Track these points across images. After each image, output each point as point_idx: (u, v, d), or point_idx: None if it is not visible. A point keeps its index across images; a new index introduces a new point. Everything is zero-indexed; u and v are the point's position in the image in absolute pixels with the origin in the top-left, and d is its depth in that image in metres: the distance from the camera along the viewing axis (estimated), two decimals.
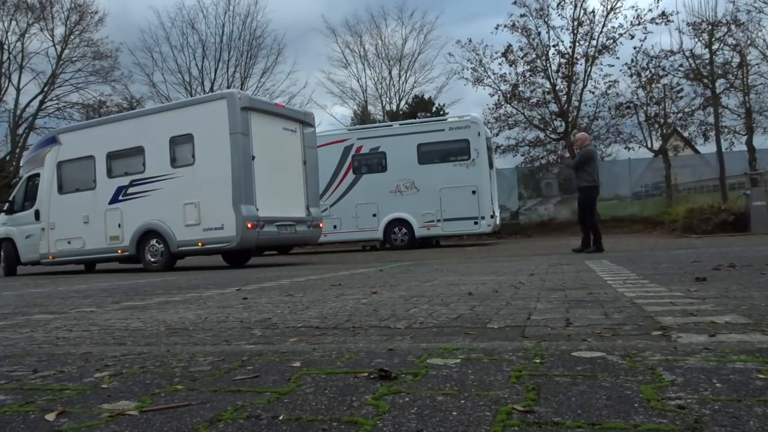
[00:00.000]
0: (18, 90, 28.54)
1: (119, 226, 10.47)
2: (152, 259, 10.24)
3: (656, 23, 22.02)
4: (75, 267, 12.38)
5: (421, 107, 30.85)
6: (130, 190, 10.41)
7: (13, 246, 12.03)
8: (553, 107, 23.75)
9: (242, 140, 9.36)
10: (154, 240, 10.18)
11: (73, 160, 11.14)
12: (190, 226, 9.71)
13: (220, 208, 9.39)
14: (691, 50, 21.18)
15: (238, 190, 9.31)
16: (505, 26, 23.56)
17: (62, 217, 11.09)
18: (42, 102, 28.98)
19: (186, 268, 10.99)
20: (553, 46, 23.46)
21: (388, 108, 30.63)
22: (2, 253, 12.23)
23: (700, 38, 20.89)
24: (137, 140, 10.38)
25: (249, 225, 9.23)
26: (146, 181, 10.24)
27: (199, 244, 9.72)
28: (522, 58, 23.55)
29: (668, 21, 21.70)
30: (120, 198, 10.51)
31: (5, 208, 12.34)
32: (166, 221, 9.98)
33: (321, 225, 11.35)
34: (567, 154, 9.56)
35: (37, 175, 11.73)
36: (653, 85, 22.61)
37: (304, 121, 11.02)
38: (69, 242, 10.99)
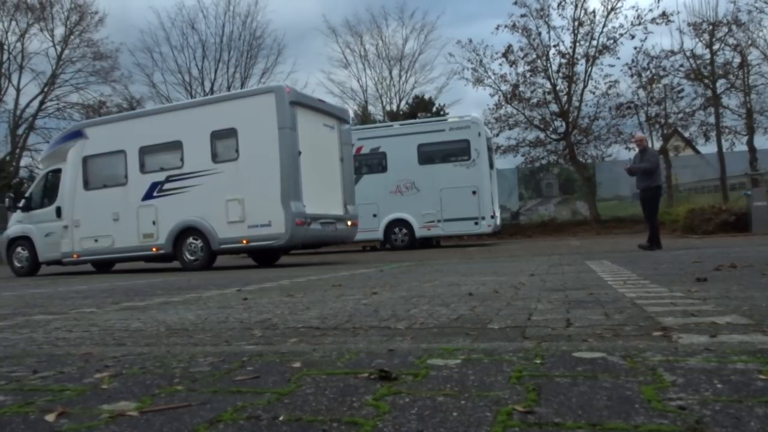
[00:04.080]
0: (18, 90, 28.60)
1: (154, 223, 10.09)
2: (191, 258, 9.91)
3: (657, 23, 22.06)
4: (87, 267, 11.86)
5: (422, 107, 30.85)
6: (166, 186, 10.05)
7: (30, 245, 11.45)
8: (554, 107, 23.77)
9: (291, 135, 9.15)
10: (193, 237, 9.85)
11: (101, 154, 10.72)
12: (234, 223, 9.42)
13: (267, 204, 9.13)
14: (691, 50, 21.22)
15: (286, 186, 9.07)
16: (506, 26, 23.62)
17: (88, 214, 10.66)
18: (42, 102, 29.00)
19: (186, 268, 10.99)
20: (554, 46, 23.50)
21: (388, 108, 30.65)
22: (25, 252, 11.54)
23: (701, 38, 20.93)
24: (174, 134, 10.05)
25: (298, 222, 9.04)
26: (184, 177, 9.91)
27: (244, 242, 9.43)
28: (522, 59, 23.59)
29: (669, 21, 21.74)
30: (155, 194, 10.14)
31: (22, 205, 11.72)
32: (206, 218, 9.65)
33: (357, 223, 11.13)
34: (627, 167, 9.73)
35: (59, 170, 11.22)
36: (654, 86, 22.63)
37: (341, 118, 10.86)
38: (96, 240, 10.56)
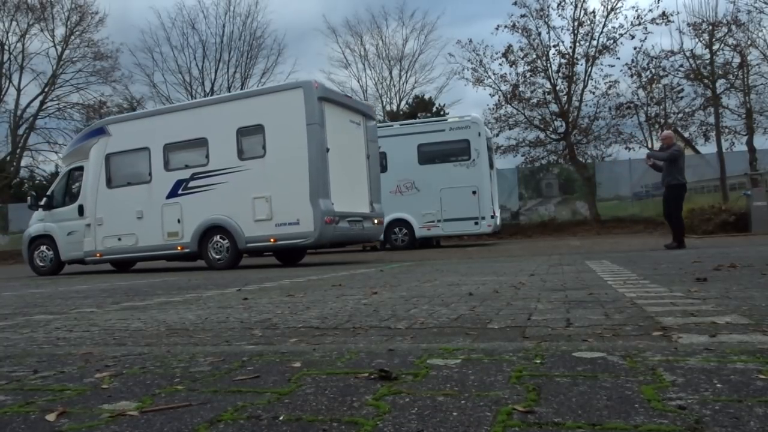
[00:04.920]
0: (18, 90, 28.61)
1: (178, 221, 9.92)
2: (216, 256, 9.74)
3: (656, 23, 22.08)
4: (108, 266, 11.62)
5: (422, 107, 30.89)
6: (192, 183, 9.86)
7: (53, 244, 11.21)
8: (554, 107, 23.77)
9: (319, 131, 8.96)
10: (219, 236, 9.67)
11: (124, 152, 10.53)
12: (261, 221, 9.26)
13: (295, 202, 8.96)
14: (691, 50, 21.22)
15: (315, 183, 8.89)
16: (506, 27, 23.62)
17: (111, 212, 10.46)
18: (42, 102, 29.00)
19: (187, 268, 10.99)
20: (554, 46, 23.51)
21: (388, 108, 30.68)
22: (48, 252, 11.31)
23: (701, 38, 20.92)
24: (199, 131, 9.88)
25: (327, 220, 8.87)
26: (210, 174, 9.73)
27: (271, 240, 9.28)
28: (522, 59, 23.59)
29: (669, 21, 21.75)
30: (179, 192, 9.95)
31: (43, 203, 11.46)
32: (233, 216, 9.48)
33: (383, 222, 10.88)
34: (650, 160, 9.74)
35: (80, 168, 11.04)
36: (654, 86, 22.64)
37: (367, 114, 10.68)
38: (119, 239, 10.36)
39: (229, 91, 28.14)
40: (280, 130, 9.23)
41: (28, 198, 11.96)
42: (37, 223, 11.54)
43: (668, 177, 9.19)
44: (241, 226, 9.41)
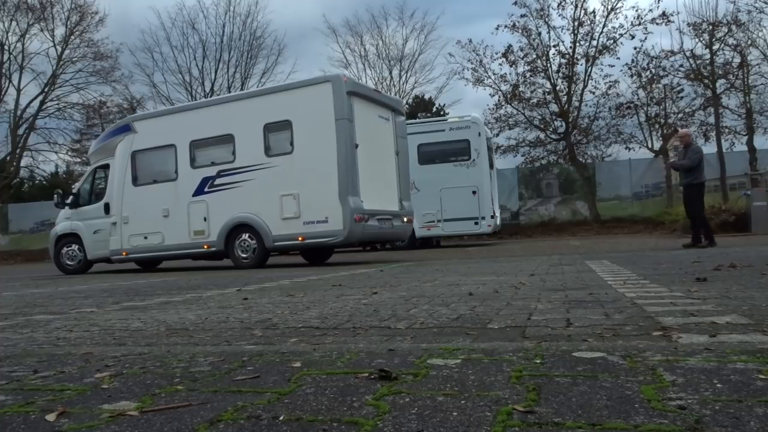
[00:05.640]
0: (18, 90, 28.61)
1: (205, 219, 9.74)
2: (243, 255, 9.53)
3: (657, 23, 22.11)
4: (131, 266, 11.51)
5: (422, 107, 30.89)
6: (218, 181, 9.69)
7: (80, 242, 11.07)
8: (554, 107, 23.79)
9: (348, 127, 8.71)
10: (246, 235, 9.47)
11: (150, 149, 10.36)
12: (288, 219, 9.04)
13: (323, 199, 8.75)
14: (691, 50, 21.21)
15: (344, 180, 8.65)
16: (506, 27, 23.64)
17: (137, 210, 10.31)
18: (42, 102, 29.01)
19: (187, 268, 10.99)
20: (554, 46, 23.53)
21: None
22: (79, 252, 11.16)
23: (701, 38, 20.91)
24: (226, 127, 9.70)
25: (356, 218, 8.65)
26: (236, 171, 9.53)
27: (299, 239, 9.06)
28: (522, 59, 23.62)
29: (669, 21, 21.78)
30: (206, 189, 9.78)
31: (70, 201, 11.34)
32: (260, 214, 9.28)
33: (413, 220, 10.66)
34: (673, 160, 9.75)
35: (107, 165, 10.91)
36: (654, 86, 22.65)
37: (396, 109, 10.40)
38: (145, 237, 10.21)
39: (229, 91, 28.14)
40: (308, 126, 9.01)
41: (54, 196, 11.83)
42: (63, 221, 11.44)
43: (689, 176, 9.23)
44: (269, 225, 9.22)
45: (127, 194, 10.46)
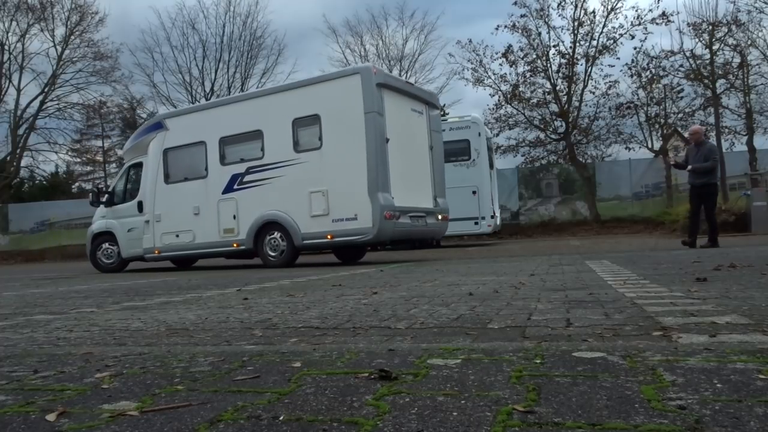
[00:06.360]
0: (18, 90, 28.63)
1: (234, 217, 9.58)
2: (272, 254, 9.33)
3: (657, 23, 22.14)
4: (166, 264, 11.40)
5: None
6: (247, 177, 9.54)
7: (115, 240, 11.04)
8: (554, 107, 23.80)
9: (378, 120, 8.44)
10: (276, 233, 9.26)
11: (181, 146, 10.29)
12: (317, 216, 8.81)
13: (352, 196, 8.50)
14: (691, 50, 21.23)
15: (374, 176, 8.38)
16: (506, 27, 23.66)
17: (169, 208, 10.25)
18: (42, 102, 29.03)
19: (188, 268, 10.99)
20: (554, 46, 23.55)
21: None
22: (113, 248, 11.14)
23: (701, 38, 20.93)
24: (254, 123, 9.52)
25: (386, 215, 8.35)
26: (265, 168, 9.36)
27: (328, 237, 8.81)
28: (522, 59, 23.64)
29: (669, 21, 21.81)
30: (235, 187, 9.64)
31: (104, 199, 11.38)
32: (289, 212, 9.06)
33: (448, 217, 10.22)
34: (673, 162, 9.54)
35: (140, 163, 10.87)
36: (654, 86, 22.66)
37: (430, 102, 10.07)
38: (177, 236, 10.11)
39: (229, 91, 28.16)
40: (336, 120, 8.77)
41: (90, 194, 11.88)
42: (99, 219, 11.46)
43: (706, 176, 9.06)
44: (297, 222, 9.02)
45: (159, 192, 10.41)
